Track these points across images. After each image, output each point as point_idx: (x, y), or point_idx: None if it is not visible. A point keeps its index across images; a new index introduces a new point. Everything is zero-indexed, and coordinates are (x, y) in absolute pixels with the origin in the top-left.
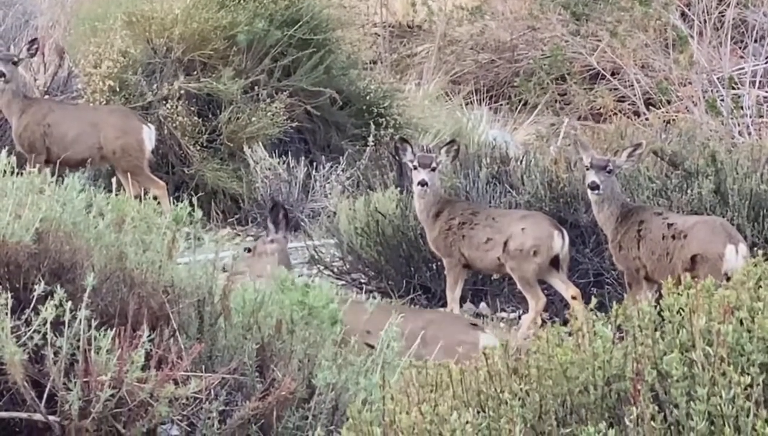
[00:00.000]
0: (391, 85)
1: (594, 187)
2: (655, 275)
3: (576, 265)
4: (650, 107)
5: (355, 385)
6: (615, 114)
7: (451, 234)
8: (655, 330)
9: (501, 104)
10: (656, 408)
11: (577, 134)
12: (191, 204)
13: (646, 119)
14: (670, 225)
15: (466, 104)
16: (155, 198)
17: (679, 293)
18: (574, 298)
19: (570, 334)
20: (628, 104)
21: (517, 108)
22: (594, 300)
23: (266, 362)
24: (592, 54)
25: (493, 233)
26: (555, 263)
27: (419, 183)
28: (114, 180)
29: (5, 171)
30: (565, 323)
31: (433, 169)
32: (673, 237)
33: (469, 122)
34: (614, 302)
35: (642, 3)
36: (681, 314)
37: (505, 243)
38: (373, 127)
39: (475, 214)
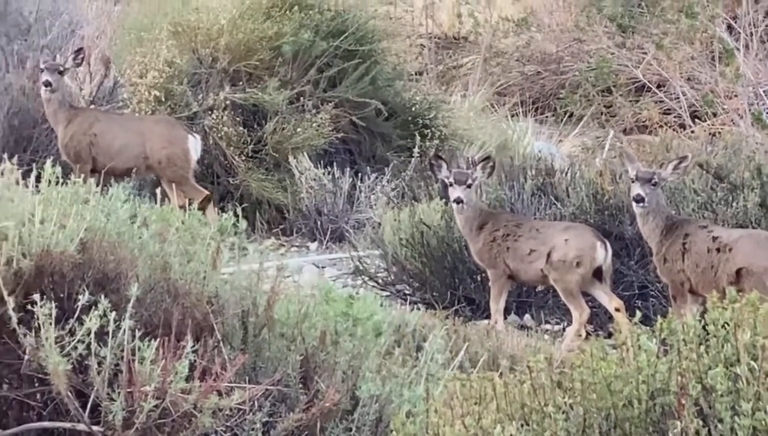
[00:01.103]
0: (437, 97)
1: (639, 199)
2: (699, 289)
3: (621, 277)
4: (696, 120)
5: (399, 397)
6: (660, 126)
7: (495, 246)
8: (700, 344)
9: (546, 116)
10: (701, 423)
11: (624, 146)
12: (236, 214)
13: (692, 132)
14: (715, 238)
15: (512, 116)
16: (200, 209)
17: (724, 307)
18: (617, 310)
19: (614, 347)
20: (674, 117)
21: (562, 120)
22: (638, 313)
23: (310, 373)
24: (638, 66)
25: (537, 245)
26: (598, 274)
27: (455, 200)
28: (159, 190)
29: (51, 181)
30: (609, 335)
31: (469, 186)
32: (718, 250)
33: (515, 134)
34: (659, 315)
35: (688, 15)
36: (726, 328)
37: (549, 254)
38: (418, 138)
39: (518, 225)
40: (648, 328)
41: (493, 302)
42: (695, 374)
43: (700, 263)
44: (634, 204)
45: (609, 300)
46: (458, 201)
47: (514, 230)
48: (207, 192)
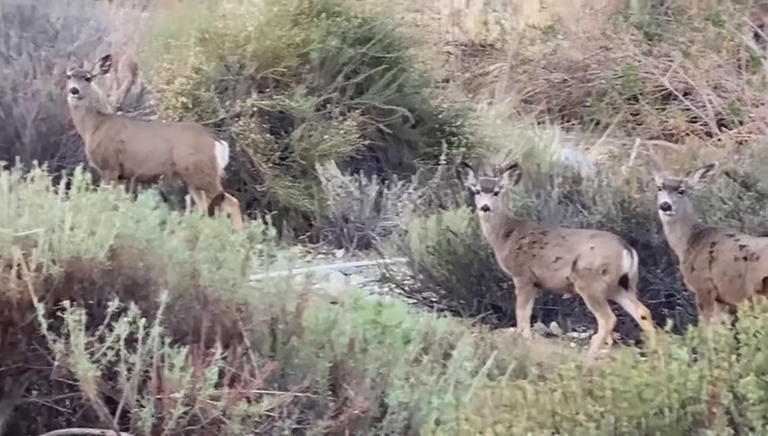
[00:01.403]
0: (464, 104)
1: (666, 207)
2: (726, 297)
3: (647, 285)
4: (722, 128)
5: (428, 404)
6: (687, 134)
7: (521, 253)
8: (731, 353)
9: (573, 124)
10: (732, 431)
11: (651, 154)
12: (265, 222)
13: (719, 140)
14: (742, 247)
15: (538, 124)
16: (228, 215)
17: (755, 316)
18: (643, 318)
19: (644, 355)
20: (701, 125)
21: (589, 128)
22: (669, 322)
23: (339, 380)
24: (665, 74)
25: (563, 252)
26: (624, 282)
27: (482, 208)
28: (188, 197)
29: (80, 187)
30: (636, 343)
31: (496, 194)
32: (745, 259)
33: (541, 142)
34: (685, 323)
35: (715, 24)
36: (757, 337)
37: (575, 262)
38: (445, 145)
39: (544, 233)
40: (678, 336)
41: (520, 310)
42: (727, 382)
43: (727, 272)
44: (661, 212)
45: (635, 308)
46: (485, 209)
47: (540, 237)
48: (234, 199)
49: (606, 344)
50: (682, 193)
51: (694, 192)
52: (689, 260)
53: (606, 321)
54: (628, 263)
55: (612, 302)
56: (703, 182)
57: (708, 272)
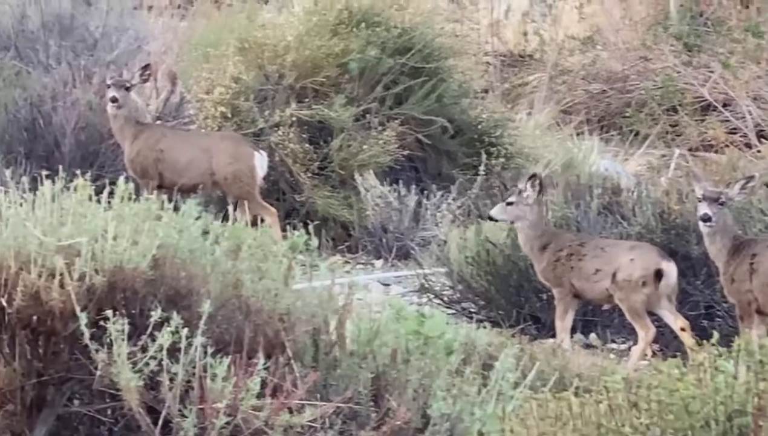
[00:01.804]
0: (503, 115)
1: (706, 219)
2: (767, 309)
3: (687, 297)
4: (762, 139)
5: (470, 416)
6: (726, 146)
7: (559, 266)
8: None
9: (612, 135)
10: None
11: (691, 166)
12: (307, 232)
13: (758, 151)
14: None
15: (577, 134)
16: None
17: None
18: (683, 329)
19: (684, 366)
20: (740, 136)
21: (628, 138)
22: (715, 334)
23: (381, 391)
24: (704, 85)
25: (602, 264)
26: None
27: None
28: (231, 208)
29: (123, 197)
30: (675, 354)
31: (509, 204)
32: None
33: (580, 152)
34: (725, 335)
35: (755, 35)
36: None
37: (614, 274)
38: (484, 156)
39: (582, 245)
40: (724, 348)
41: (559, 321)
42: None
43: None
44: (701, 223)
45: (675, 320)
46: (490, 218)
47: (578, 249)
48: (273, 209)
49: (645, 355)
50: (722, 204)
51: (733, 204)
52: (729, 271)
53: (646, 333)
54: (668, 275)
55: (651, 314)
56: (743, 194)
57: (748, 284)
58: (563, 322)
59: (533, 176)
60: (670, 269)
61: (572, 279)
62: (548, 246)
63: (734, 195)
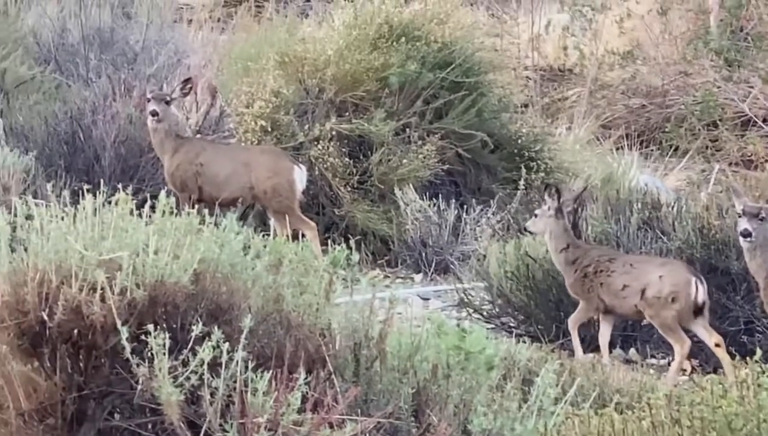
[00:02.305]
0: (542, 129)
1: (746, 234)
2: None
3: (726, 312)
4: None
5: (511, 431)
6: (766, 161)
7: (587, 281)
8: None
9: (651, 149)
10: None
11: (730, 181)
12: (348, 246)
13: None
14: None
15: (617, 149)
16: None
17: None
18: (717, 345)
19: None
20: None
21: (667, 153)
22: (758, 351)
23: (422, 406)
24: (744, 100)
25: (630, 280)
26: (697, 309)
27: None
28: (271, 222)
29: (164, 211)
30: (714, 370)
31: (535, 216)
32: None
33: (620, 167)
34: (765, 351)
35: None
36: None
37: (643, 290)
38: (524, 170)
39: (611, 260)
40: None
41: (573, 325)
42: None
43: None
44: (741, 239)
45: (709, 336)
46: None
47: (607, 265)
48: (313, 223)
49: (684, 370)
50: (762, 220)
51: None
52: None
53: (681, 347)
54: (698, 291)
55: (686, 330)
56: None
57: None
58: (574, 327)
59: (548, 187)
60: (700, 285)
61: (601, 295)
62: (576, 261)
63: None
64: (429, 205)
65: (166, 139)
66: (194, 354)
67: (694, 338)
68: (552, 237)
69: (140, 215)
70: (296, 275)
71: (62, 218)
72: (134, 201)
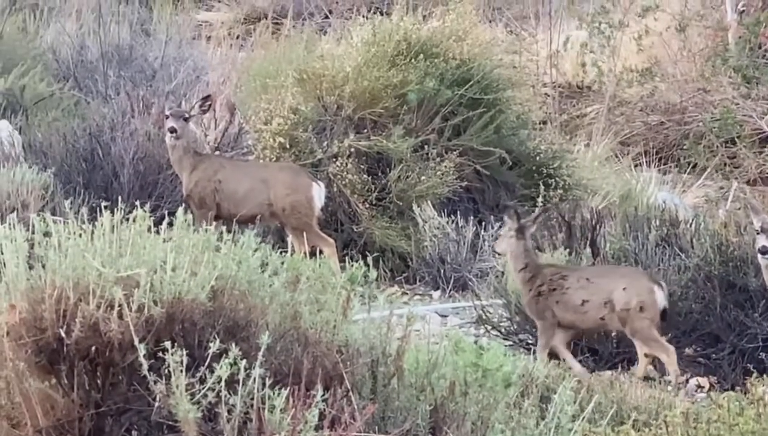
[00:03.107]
0: (561, 146)
1: (765, 251)
2: None
3: (745, 329)
4: None
5: None
6: None
7: (541, 300)
8: None
9: (669, 166)
10: None
11: (749, 198)
12: (365, 263)
13: None
14: None
15: (635, 166)
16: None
17: None
18: (646, 356)
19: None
20: None
21: (686, 170)
22: None
23: (439, 423)
24: (763, 117)
25: (589, 294)
26: (663, 316)
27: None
28: (289, 239)
29: (182, 228)
30: (732, 387)
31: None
32: None
33: (638, 184)
34: None
35: None
36: None
37: (606, 303)
38: (542, 187)
39: (564, 278)
40: None
41: (540, 352)
42: None
43: None
44: (759, 256)
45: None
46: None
47: (560, 283)
48: (331, 240)
49: (701, 387)
50: None
51: None
52: None
53: (668, 355)
54: (662, 297)
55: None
56: None
57: None
58: (544, 353)
59: (507, 208)
60: (661, 291)
61: (558, 313)
62: (531, 279)
63: None
64: (447, 222)
65: (185, 156)
66: (211, 371)
67: (714, 354)
68: (512, 257)
69: (158, 232)
70: (314, 292)
71: (80, 235)
72: (152, 218)
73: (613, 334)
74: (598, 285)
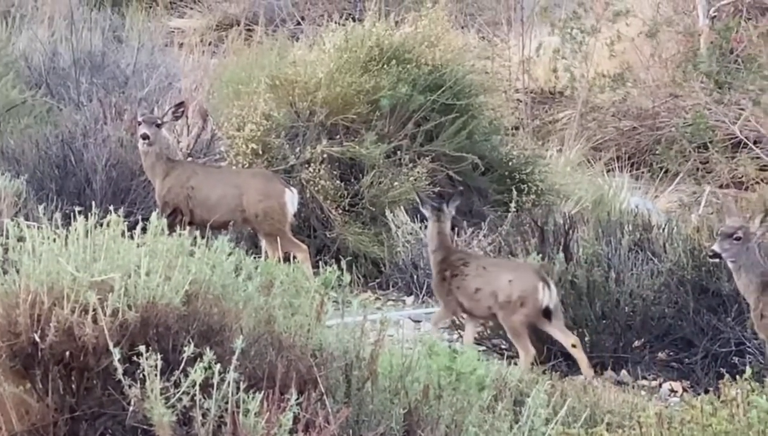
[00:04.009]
0: (533, 151)
1: (712, 255)
2: None
3: (717, 333)
4: None
5: None
6: (757, 183)
7: (445, 284)
8: None
9: (642, 171)
10: None
11: (726, 200)
12: (340, 268)
13: None
14: None
15: (608, 171)
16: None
17: None
18: (573, 346)
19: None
20: None
21: (658, 176)
22: (748, 370)
23: (413, 427)
24: (735, 122)
25: (482, 284)
26: (547, 314)
27: None
28: (263, 244)
29: (156, 233)
30: (706, 391)
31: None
32: None
33: (611, 189)
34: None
35: None
36: None
37: (495, 294)
38: (514, 193)
39: (466, 264)
40: (757, 384)
41: (432, 325)
42: None
43: None
44: (710, 260)
45: (565, 337)
46: None
47: (462, 269)
48: (304, 246)
49: (674, 391)
50: (738, 239)
51: (758, 239)
52: (760, 307)
53: (526, 354)
54: (546, 294)
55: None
56: (764, 227)
57: None
58: (434, 327)
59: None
60: (547, 289)
61: (459, 297)
62: (440, 263)
63: (755, 230)
64: (420, 228)
65: (157, 162)
66: (186, 375)
67: (686, 359)
68: (428, 238)
69: (132, 237)
70: (288, 296)
71: (54, 240)
72: (126, 223)
73: (586, 339)
74: (490, 275)
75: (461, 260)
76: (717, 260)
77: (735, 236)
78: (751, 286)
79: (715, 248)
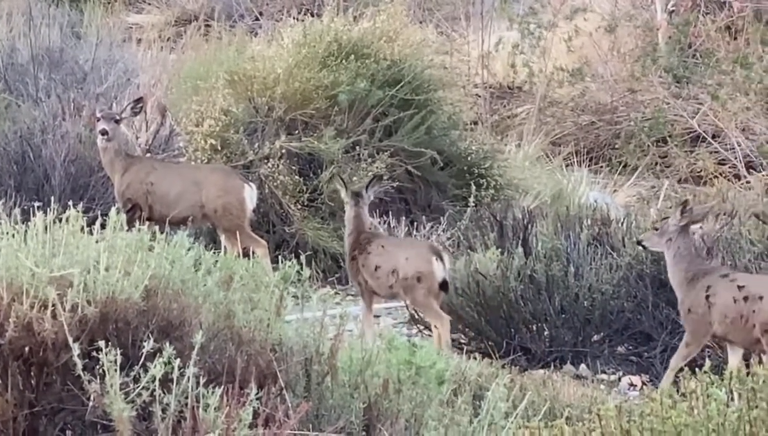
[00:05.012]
0: (492, 146)
1: (639, 241)
2: (729, 337)
3: (676, 327)
4: (751, 170)
5: None
6: (716, 177)
7: (354, 264)
8: None
9: (601, 166)
10: None
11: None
12: (299, 263)
13: (747, 182)
14: (740, 287)
15: (566, 166)
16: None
17: None
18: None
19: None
20: (729, 167)
21: (617, 170)
22: (707, 362)
23: (373, 421)
24: (694, 117)
25: (381, 262)
26: (445, 286)
27: None
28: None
29: (115, 228)
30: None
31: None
32: (746, 299)
33: (569, 184)
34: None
35: (743, 66)
36: None
37: (394, 272)
38: (473, 187)
39: (369, 242)
40: (716, 377)
41: (363, 317)
42: (765, 423)
43: (728, 314)
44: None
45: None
46: None
47: (365, 247)
48: (263, 241)
49: (634, 385)
50: (656, 229)
51: (678, 230)
52: (686, 301)
53: (441, 323)
54: (441, 269)
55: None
56: (685, 220)
57: (708, 316)
58: (365, 319)
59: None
60: (441, 263)
61: (364, 275)
62: (353, 244)
63: (675, 222)
64: (379, 223)
65: (116, 158)
66: (146, 370)
67: (645, 353)
68: (346, 222)
69: (91, 232)
70: (247, 291)
71: (13, 236)
72: (85, 219)
73: (545, 333)
74: (389, 254)
75: (366, 239)
76: (642, 248)
77: (655, 226)
78: (676, 279)
79: (641, 236)
